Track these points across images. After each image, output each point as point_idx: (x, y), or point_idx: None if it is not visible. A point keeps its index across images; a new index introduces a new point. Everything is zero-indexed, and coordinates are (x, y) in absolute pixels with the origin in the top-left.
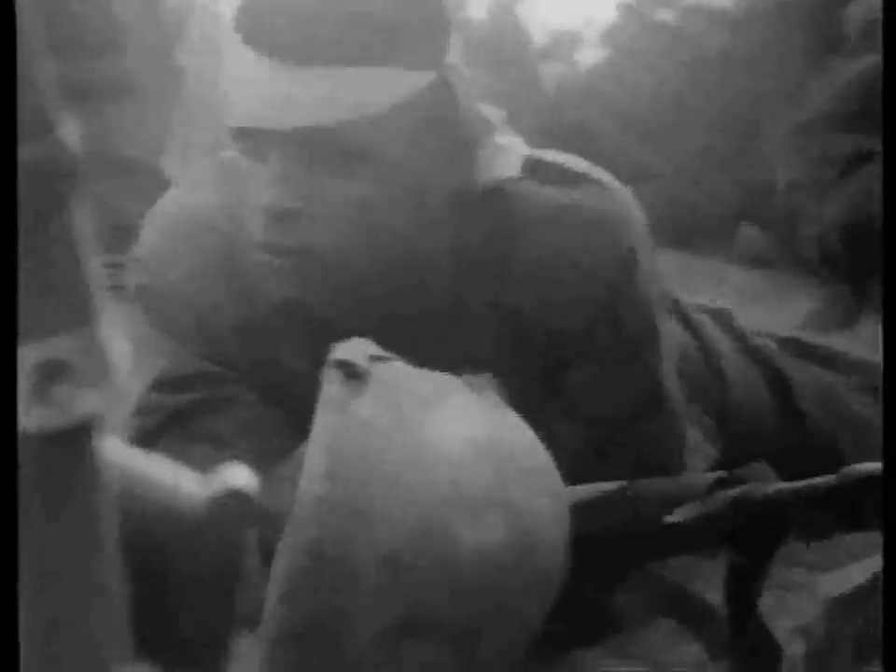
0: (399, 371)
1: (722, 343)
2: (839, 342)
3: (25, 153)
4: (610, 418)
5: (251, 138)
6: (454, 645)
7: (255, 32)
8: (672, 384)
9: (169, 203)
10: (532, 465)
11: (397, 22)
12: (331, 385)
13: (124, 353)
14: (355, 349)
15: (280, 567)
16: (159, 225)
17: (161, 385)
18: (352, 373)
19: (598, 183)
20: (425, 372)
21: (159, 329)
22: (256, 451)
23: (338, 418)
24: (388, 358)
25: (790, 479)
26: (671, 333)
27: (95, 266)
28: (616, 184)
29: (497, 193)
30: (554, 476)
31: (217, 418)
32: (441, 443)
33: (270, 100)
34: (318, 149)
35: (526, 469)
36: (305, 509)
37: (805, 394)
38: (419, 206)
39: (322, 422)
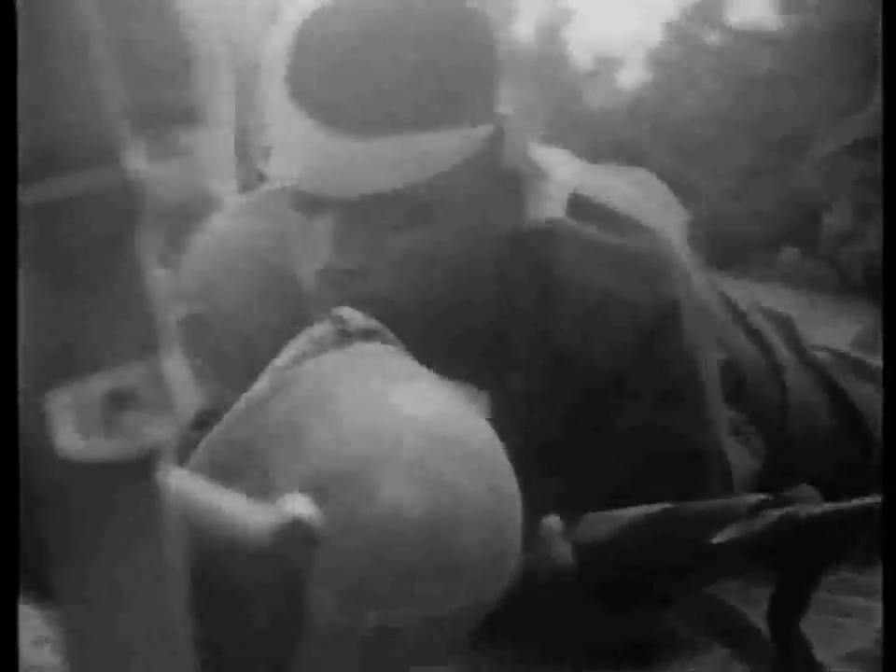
0: (383, 349)
1: (785, 355)
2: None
3: (90, 181)
4: (656, 455)
5: (306, 199)
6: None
7: (309, 96)
8: (717, 417)
9: (220, 230)
10: (474, 451)
11: (454, 83)
12: (315, 330)
13: (188, 382)
14: (356, 315)
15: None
16: (210, 253)
17: (200, 422)
18: (341, 329)
19: (645, 230)
20: (408, 359)
21: (207, 359)
22: None
23: (305, 355)
24: (383, 337)
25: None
26: (715, 362)
27: (160, 295)
28: (663, 234)
29: (542, 233)
30: (498, 469)
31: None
32: (392, 411)
33: (328, 168)
34: (378, 211)
35: (466, 453)
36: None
37: (864, 413)
38: (472, 250)
39: (289, 351)
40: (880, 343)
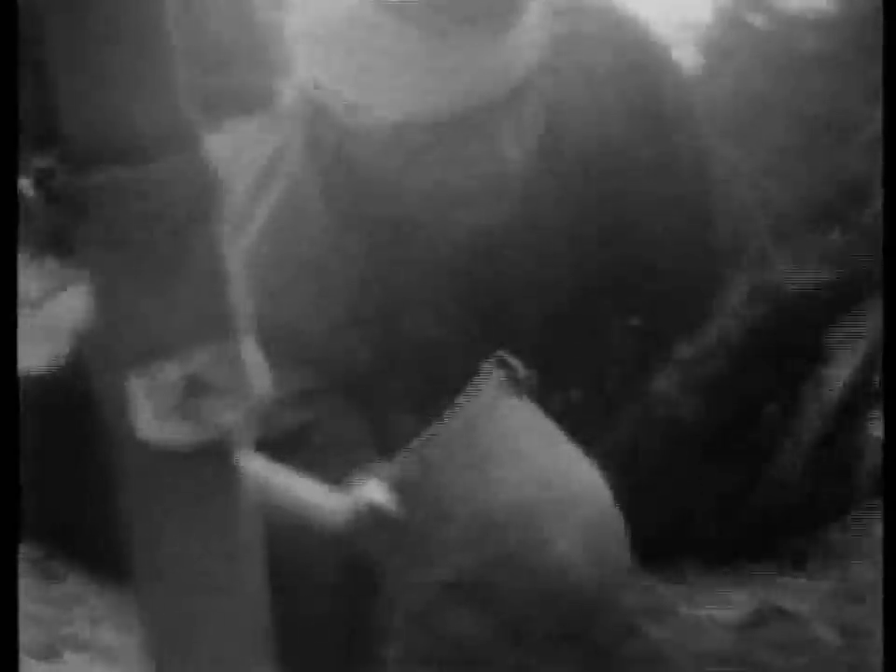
0: (533, 404)
1: None
2: None
3: (167, 168)
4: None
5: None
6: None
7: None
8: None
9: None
10: (623, 531)
11: None
12: (488, 384)
13: (262, 366)
14: (518, 362)
15: (415, 590)
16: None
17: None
18: (512, 377)
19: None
20: (542, 415)
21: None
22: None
23: (482, 417)
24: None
25: None
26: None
27: (235, 280)
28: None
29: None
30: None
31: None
32: (567, 470)
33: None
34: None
35: (620, 531)
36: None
37: None
38: None
39: (475, 390)
40: None
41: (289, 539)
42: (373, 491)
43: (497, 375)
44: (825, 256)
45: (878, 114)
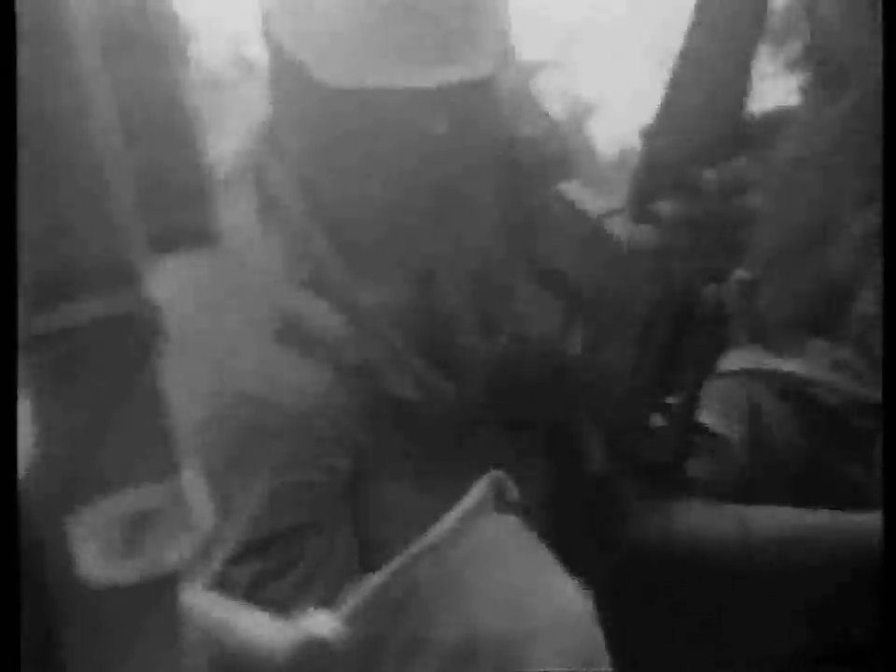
0: (523, 525)
1: None
2: None
3: (109, 306)
4: None
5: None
6: None
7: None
8: None
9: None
10: (606, 662)
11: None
12: (471, 502)
13: (207, 502)
14: (510, 481)
15: None
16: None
17: (238, 557)
18: (500, 495)
19: None
20: (527, 535)
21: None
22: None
23: (473, 513)
24: (517, 510)
25: None
26: None
27: (177, 417)
28: None
29: None
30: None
31: (286, 579)
32: (548, 594)
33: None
34: None
35: (602, 661)
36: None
37: None
38: None
39: (461, 506)
40: None
41: None
42: (319, 624)
43: (485, 493)
44: (810, 358)
45: (860, 216)
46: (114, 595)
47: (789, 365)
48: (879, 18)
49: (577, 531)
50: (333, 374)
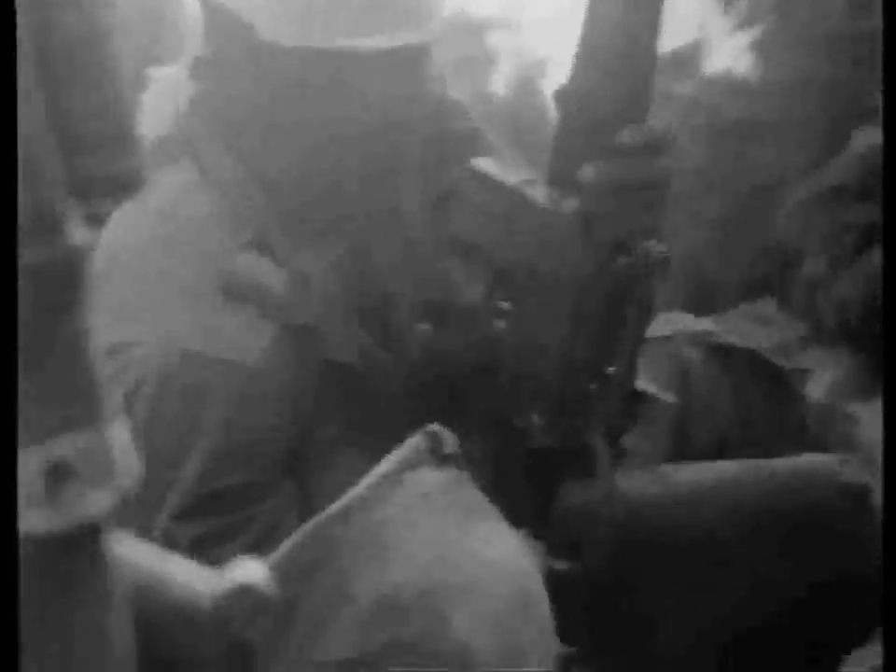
0: (462, 477)
1: None
2: (863, 410)
3: (31, 254)
4: None
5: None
6: None
7: None
8: None
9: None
10: (543, 615)
11: None
12: (414, 441)
13: (133, 454)
14: (448, 435)
15: (312, 669)
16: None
17: (178, 513)
18: (437, 449)
19: None
20: (479, 492)
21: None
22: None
23: (402, 467)
24: (459, 462)
25: None
26: None
27: (101, 365)
28: None
29: None
30: (551, 635)
31: (236, 540)
32: (472, 549)
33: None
34: None
35: (539, 616)
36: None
37: None
38: None
39: (390, 460)
40: (856, 390)
41: (162, 625)
42: (249, 571)
43: (415, 448)
44: (759, 323)
45: (803, 179)
46: (35, 545)
47: (712, 324)
48: None
49: (515, 502)
50: (276, 331)
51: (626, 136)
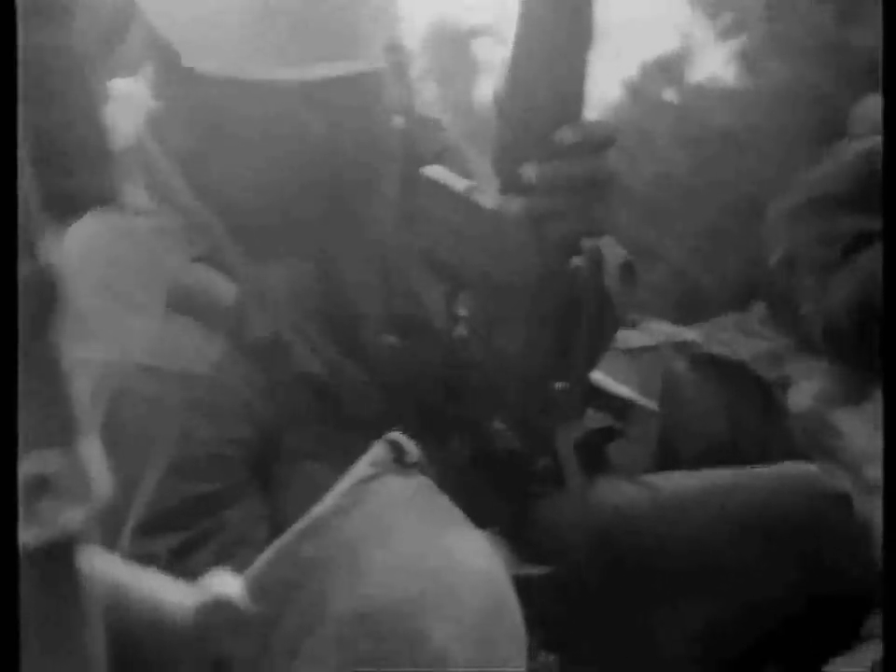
0: (429, 483)
1: None
2: (847, 419)
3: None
4: None
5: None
6: None
7: None
8: None
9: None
10: (518, 623)
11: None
12: (374, 453)
13: (105, 469)
14: (408, 442)
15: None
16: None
17: (145, 528)
18: (397, 456)
19: None
20: (446, 498)
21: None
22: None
23: (365, 480)
24: (423, 468)
25: None
26: None
27: (79, 384)
28: None
29: None
30: (524, 645)
31: (208, 548)
32: (448, 557)
33: None
34: None
35: (515, 625)
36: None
37: None
38: None
39: (351, 474)
40: (840, 398)
41: (138, 639)
42: (223, 584)
43: (381, 454)
44: (746, 333)
45: (787, 188)
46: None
47: (696, 334)
48: None
49: (489, 511)
50: (227, 344)
51: (563, 134)
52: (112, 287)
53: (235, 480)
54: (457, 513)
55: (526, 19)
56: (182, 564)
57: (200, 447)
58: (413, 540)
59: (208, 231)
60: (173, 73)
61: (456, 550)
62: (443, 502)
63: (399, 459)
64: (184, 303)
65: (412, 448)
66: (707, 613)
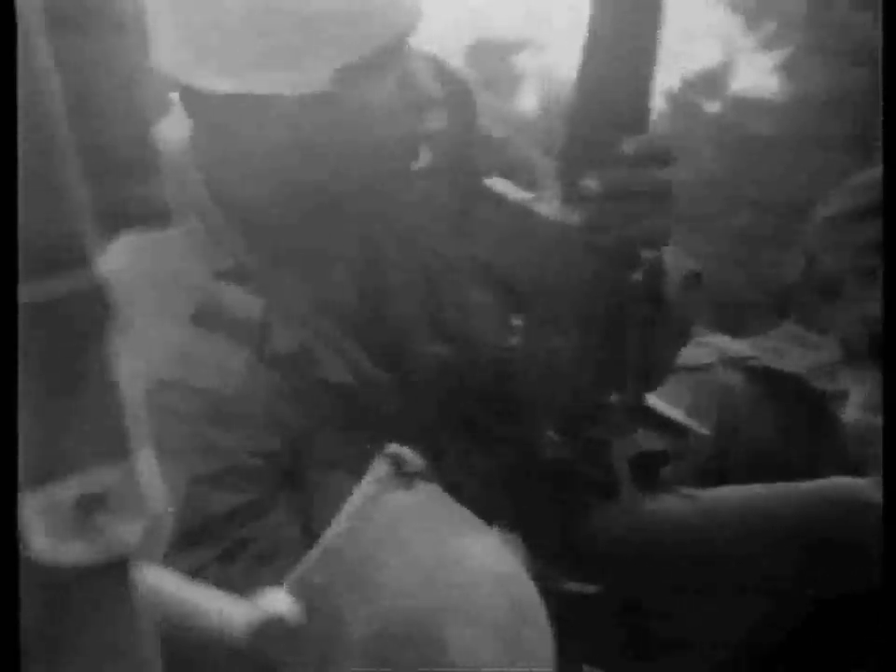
0: (438, 491)
1: None
2: None
3: (59, 285)
4: None
5: None
6: None
7: None
8: None
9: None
10: (543, 620)
11: None
12: (376, 470)
13: (159, 483)
14: (410, 453)
15: None
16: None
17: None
18: (400, 470)
19: None
20: (456, 504)
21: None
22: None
23: (373, 497)
24: (427, 476)
25: None
26: None
27: (133, 398)
28: None
29: None
30: (550, 640)
31: (242, 560)
32: (463, 562)
33: None
34: None
35: (538, 619)
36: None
37: None
38: None
39: (358, 493)
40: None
41: (193, 655)
42: (276, 601)
43: (383, 470)
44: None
45: (831, 196)
46: (64, 577)
47: (751, 348)
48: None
49: (536, 521)
50: (252, 357)
51: (628, 146)
52: (136, 302)
53: (261, 492)
54: (467, 515)
55: (595, 34)
56: (216, 575)
57: (221, 460)
58: (426, 549)
59: (233, 244)
60: (184, 94)
61: (470, 554)
62: (452, 506)
63: (399, 471)
64: (207, 318)
65: (412, 458)
66: (742, 626)
